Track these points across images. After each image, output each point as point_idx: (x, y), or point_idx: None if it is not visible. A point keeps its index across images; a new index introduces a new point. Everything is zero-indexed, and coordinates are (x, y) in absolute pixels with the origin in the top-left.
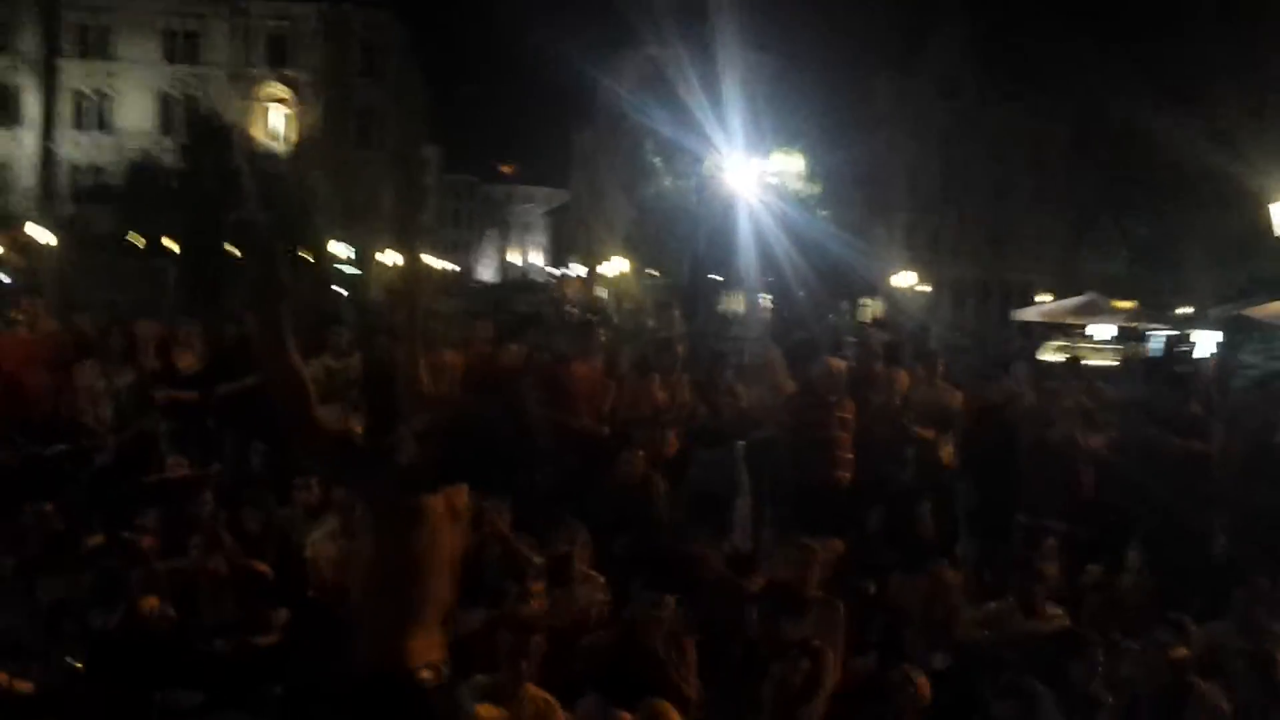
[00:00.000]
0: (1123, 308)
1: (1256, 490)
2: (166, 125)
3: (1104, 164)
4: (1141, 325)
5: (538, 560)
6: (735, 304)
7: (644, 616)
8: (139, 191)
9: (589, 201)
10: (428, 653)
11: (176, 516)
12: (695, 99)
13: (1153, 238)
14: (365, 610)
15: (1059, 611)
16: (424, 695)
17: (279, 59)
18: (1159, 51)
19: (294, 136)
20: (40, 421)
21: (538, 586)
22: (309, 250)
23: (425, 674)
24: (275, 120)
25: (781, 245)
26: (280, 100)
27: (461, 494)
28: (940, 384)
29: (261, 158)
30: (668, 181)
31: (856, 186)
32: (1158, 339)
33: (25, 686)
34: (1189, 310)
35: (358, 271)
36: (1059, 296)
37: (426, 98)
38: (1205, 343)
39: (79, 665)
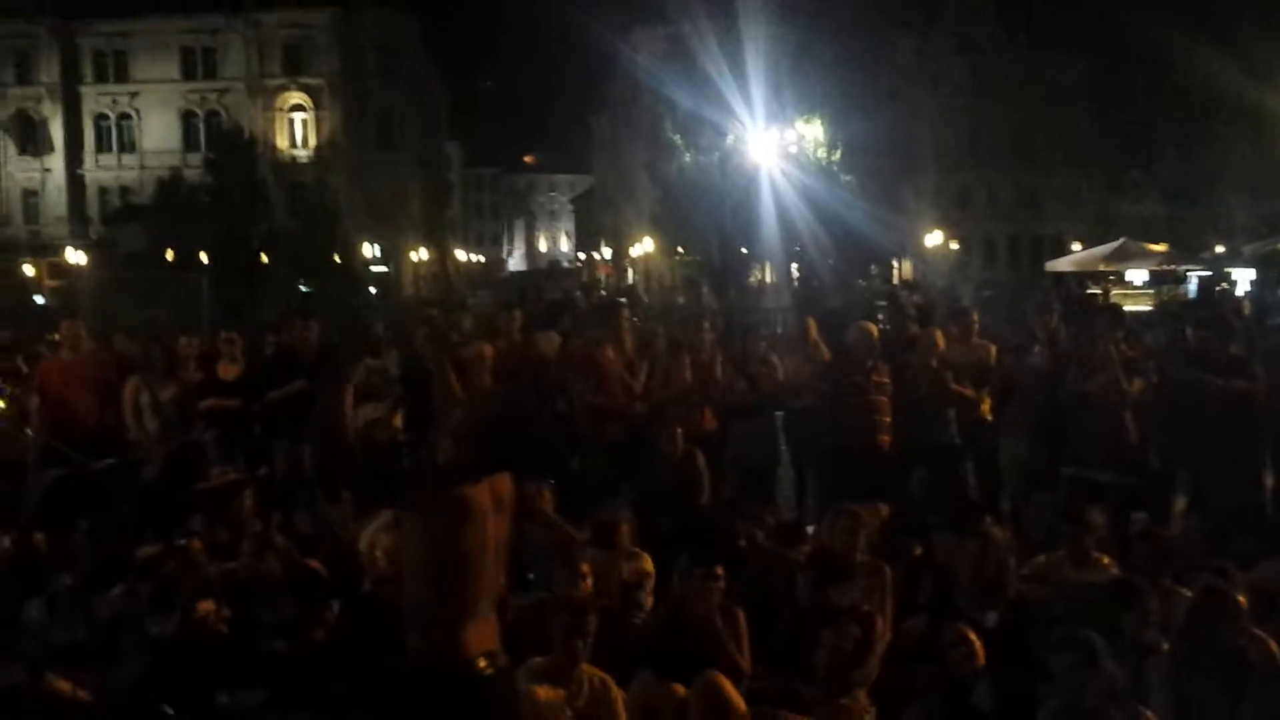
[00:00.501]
0: (1156, 250)
1: None
2: (190, 141)
3: (1130, 107)
4: (1176, 267)
5: (582, 538)
6: (764, 276)
7: (696, 589)
8: (168, 208)
9: (613, 184)
10: (482, 642)
11: (224, 521)
12: (713, 73)
13: (1184, 178)
14: (418, 605)
15: (1109, 561)
16: (481, 684)
17: (295, 67)
18: None
19: (316, 142)
20: (88, 439)
21: (585, 567)
22: (338, 253)
23: (481, 663)
24: (296, 128)
25: (806, 215)
26: (300, 108)
27: (505, 482)
28: (976, 341)
29: (286, 166)
30: (689, 158)
31: (880, 150)
32: (1193, 280)
33: (86, 696)
34: (1222, 250)
35: (387, 269)
36: (1091, 246)
37: (445, 94)
38: (1242, 281)
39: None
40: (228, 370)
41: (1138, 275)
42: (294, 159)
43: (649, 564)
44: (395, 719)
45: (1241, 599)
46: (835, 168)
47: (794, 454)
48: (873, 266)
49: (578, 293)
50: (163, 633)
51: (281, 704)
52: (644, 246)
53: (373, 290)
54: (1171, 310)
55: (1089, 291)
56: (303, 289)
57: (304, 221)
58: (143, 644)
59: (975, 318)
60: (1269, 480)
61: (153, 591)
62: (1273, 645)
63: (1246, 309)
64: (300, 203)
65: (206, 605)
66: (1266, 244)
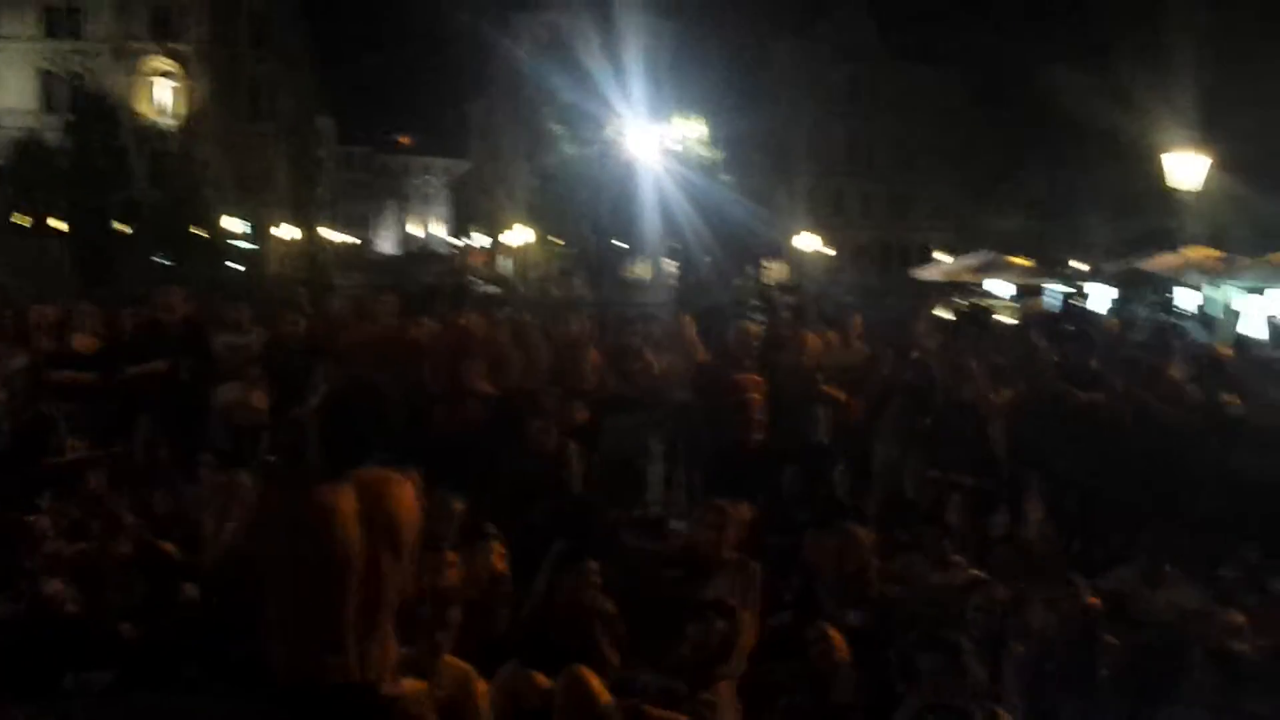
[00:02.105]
0: (1020, 264)
1: (1155, 439)
2: (49, 103)
3: (1002, 123)
4: (1038, 281)
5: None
6: (640, 271)
7: (568, 582)
8: (23, 171)
9: (490, 170)
10: (361, 667)
11: (74, 498)
12: (595, 64)
13: (1049, 195)
14: (279, 615)
15: (966, 563)
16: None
17: (164, 32)
18: (1057, 8)
19: (182, 111)
20: None
21: (452, 557)
22: (202, 227)
23: (357, 689)
24: (162, 95)
25: (685, 211)
26: (167, 74)
27: (388, 485)
28: (856, 344)
29: (149, 134)
30: (569, 148)
31: (759, 151)
32: (1054, 295)
33: None
34: (1084, 266)
35: (254, 246)
36: (958, 255)
37: (318, 68)
38: (1100, 297)
39: None
40: (84, 343)
41: (1004, 288)
42: (159, 127)
43: (502, 556)
44: None
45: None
46: (715, 166)
47: (667, 449)
48: (748, 266)
49: (451, 278)
50: (6, 613)
51: (130, 687)
52: (520, 235)
53: (237, 267)
54: (1034, 323)
55: (973, 303)
56: (163, 262)
57: (167, 192)
58: None
59: (859, 321)
60: (1120, 490)
61: None
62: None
63: (1116, 326)
64: (164, 173)
65: (53, 585)
66: (1125, 263)
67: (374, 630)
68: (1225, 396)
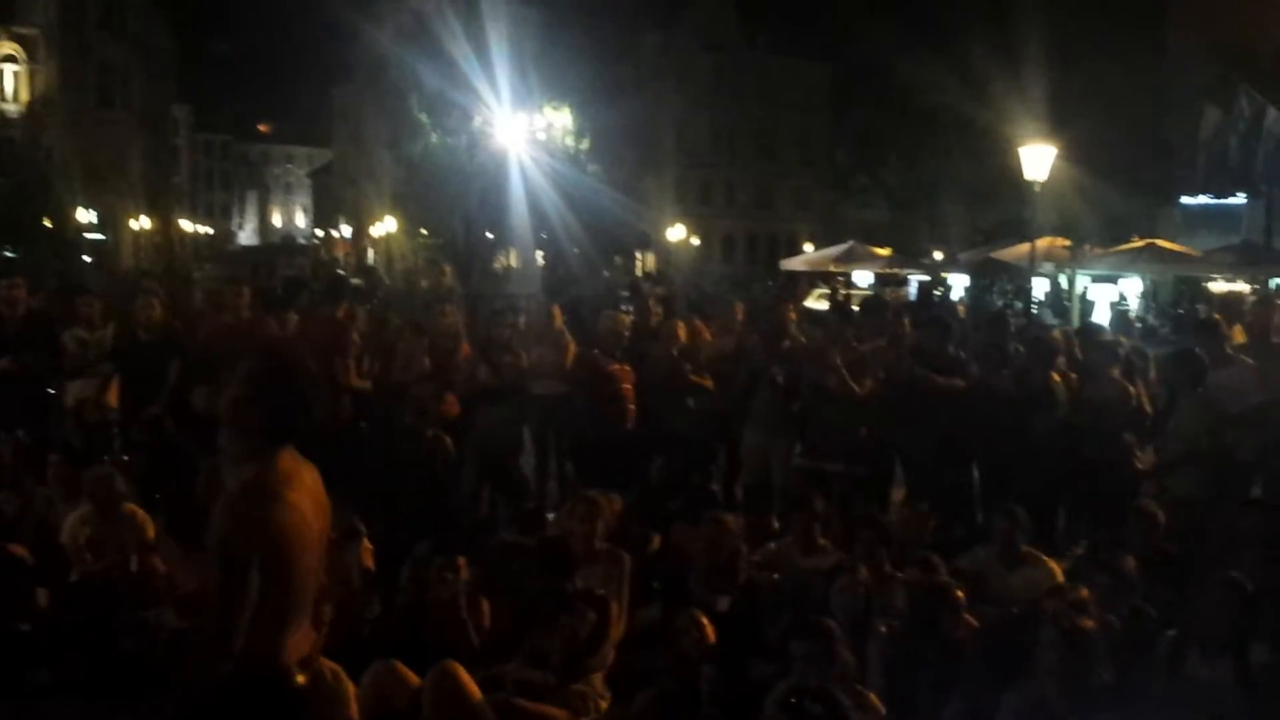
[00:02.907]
0: (881, 254)
1: (1013, 421)
2: None
3: (865, 113)
4: (899, 271)
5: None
6: (509, 261)
7: (438, 577)
8: None
9: (354, 160)
10: (298, 650)
11: None
12: (461, 53)
13: (907, 186)
14: (228, 608)
15: (833, 547)
16: (295, 696)
17: (8, 14)
18: (914, 1)
19: (27, 96)
20: None
21: None
22: (50, 217)
23: (297, 674)
24: (6, 80)
25: (554, 202)
26: (11, 58)
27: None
28: (724, 333)
29: None
30: (436, 138)
31: (626, 142)
32: (914, 283)
33: None
34: (940, 256)
35: (104, 237)
36: (822, 246)
37: (173, 53)
38: (957, 286)
39: None
40: None
41: (864, 277)
42: (3, 114)
43: (370, 552)
44: None
45: (959, 592)
46: (582, 156)
47: (537, 441)
48: (617, 257)
49: (313, 270)
50: None
51: None
52: (386, 226)
53: (87, 259)
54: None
55: (822, 292)
56: (8, 254)
57: (12, 181)
58: None
59: (740, 309)
60: (976, 472)
61: None
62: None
63: (963, 312)
64: (8, 161)
65: None
66: (980, 252)
67: (297, 624)
68: (1057, 375)
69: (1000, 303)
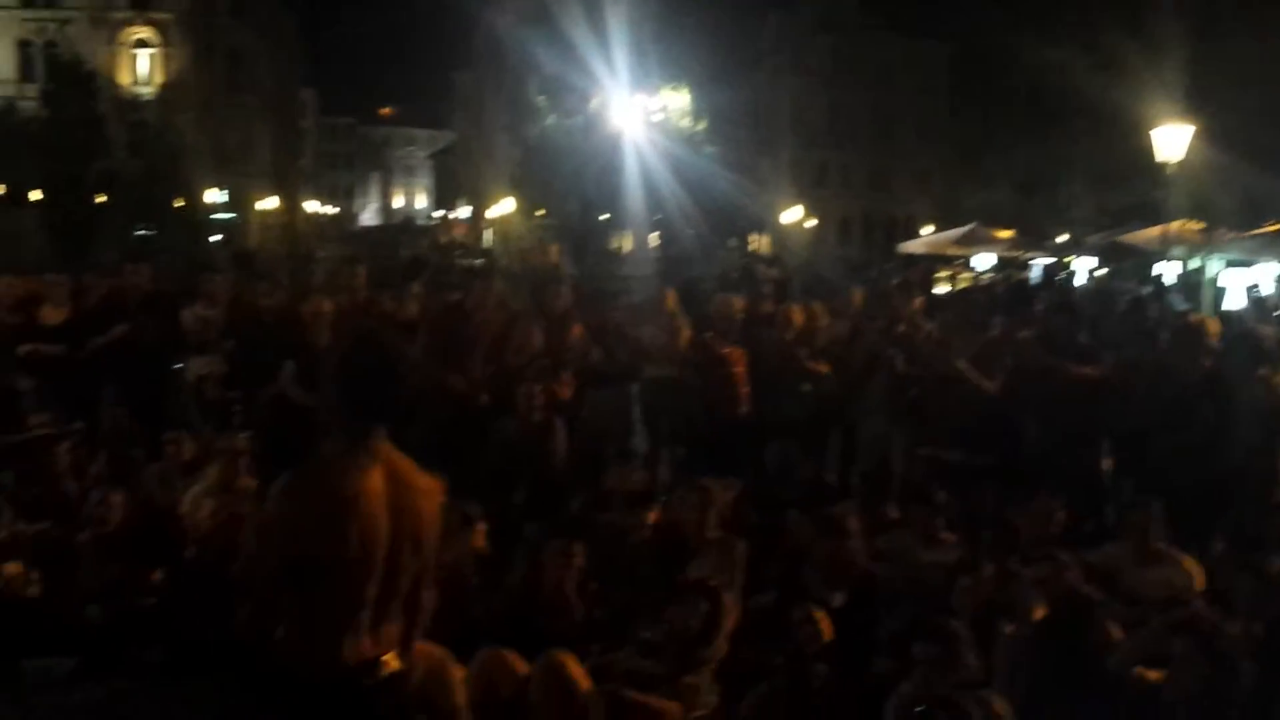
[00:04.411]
0: (1003, 237)
1: (1144, 415)
2: (26, 72)
3: (987, 94)
4: (1021, 254)
5: None
6: (624, 243)
7: (550, 565)
8: None
9: (474, 142)
10: (372, 648)
11: (36, 477)
12: (580, 35)
13: (1034, 167)
14: (293, 601)
15: (956, 541)
16: (363, 696)
17: (143, 0)
18: None
19: (161, 80)
20: None
21: None
22: (181, 198)
23: (370, 671)
24: (141, 64)
25: (668, 183)
26: (145, 43)
27: (406, 467)
28: (841, 318)
29: (128, 104)
30: (553, 120)
31: (742, 123)
32: (1037, 267)
33: None
34: (1065, 238)
35: (232, 218)
36: (942, 228)
37: (300, 38)
38: (1082, 270)
39: None
40: (51, 315)
41: (985, 260)
42: (137, 97)
43: (481, 535)
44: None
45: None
46: (698, 138)
47: (648, 425)
48: (732, 239)
49: (432, 251)
50: None
51: (94, 672)
52: (503, 207)
53: (216, 239)
54: (1018, 296)
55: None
56: (141, 233)
57: (145, 163)
58: None
59: (858, 296)
60: (1106, 464)
61: None
62: (1117, 630)
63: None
64: (142, 143)
65: (13, 567)
66: (1107, 235)
67: (388, 613)
68: (1206, 363)
69: (1130, 288)
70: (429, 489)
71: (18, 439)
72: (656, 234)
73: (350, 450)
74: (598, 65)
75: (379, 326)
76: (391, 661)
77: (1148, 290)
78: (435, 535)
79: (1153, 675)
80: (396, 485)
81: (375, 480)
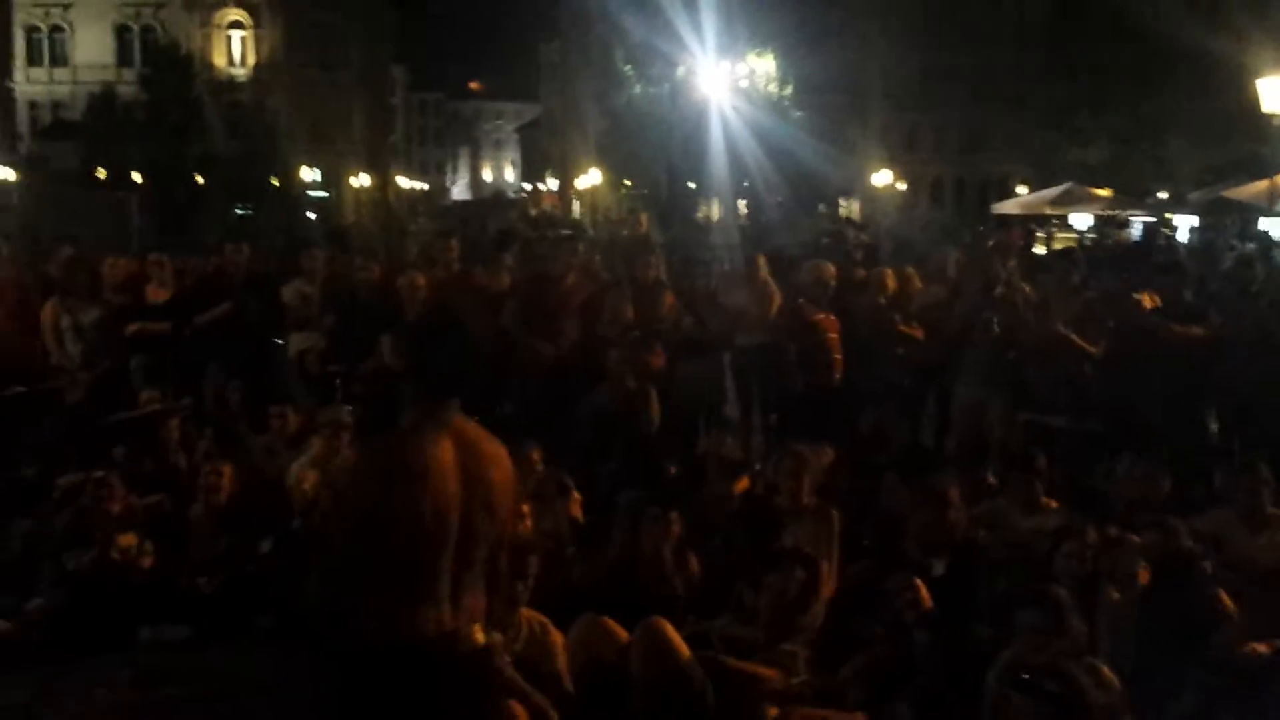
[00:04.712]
0: (1101, 195)
1: (1252, 375)
2: (124, 57)
3: (1082, 50)
4: (1120, 213)
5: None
6: (711, 212)
7: (649, 530)
8: (100, 125)
9: (560, 114)
10: (448, 620)
11: (148, 451)
12: (665, 2)
13: (1131, 123)
14: (365, 571)
15: (1058, 507)
16: (442, 668)
17: None
18: None
19: (254, 61)
20: (6, 364)
21: (526, 508)
22: (277, 177)
23: (449, 644)
24: (234, 46)
25: (755, 150)
26: (238, 24)
27: (479, 436)
28: (932, 282)
29: (223, 85)
30: (639, 89)
31: (831, 89)
32: (1137, 226)
33: (4, 626)
34: (1165, 196)
35: (327, 194)
36: (1037, 189)
37: (389, 15)
38: (1183, 228)
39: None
40: (156, 294)
41: (1082, 220)
42: (231, 78)
43: (578, 503)
44: (345, 694)
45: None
46: (786, 103)
47: (740, 393)
48: (821, 205)
49: (522, 223)
50: (79, 566)
51: (206, 640)
52: (590, 178)
53: (312, 216)
54: (1118, 255)
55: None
56: (239, 212)
57: (241, 143)
58: (60, 577)
59: (956, 258)
60: (1214, 427)
61: (69, 523)
62: (1224, 596)
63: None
64: (238, 124)
65: (128, 539)
66: (1210, 191)
67: (466, 583)
68: None
69: (1233, 244)
70: (499, 457)
71: (131, 415)
72: (744, 202)
73: (423, 421)
74: (684, 31)
75: (457, 299)
76: (476, 634)
77: (1251, 248)
78: (508, 502)
79: (1262, 648)
80: (467, 454)
81: (445, 450)
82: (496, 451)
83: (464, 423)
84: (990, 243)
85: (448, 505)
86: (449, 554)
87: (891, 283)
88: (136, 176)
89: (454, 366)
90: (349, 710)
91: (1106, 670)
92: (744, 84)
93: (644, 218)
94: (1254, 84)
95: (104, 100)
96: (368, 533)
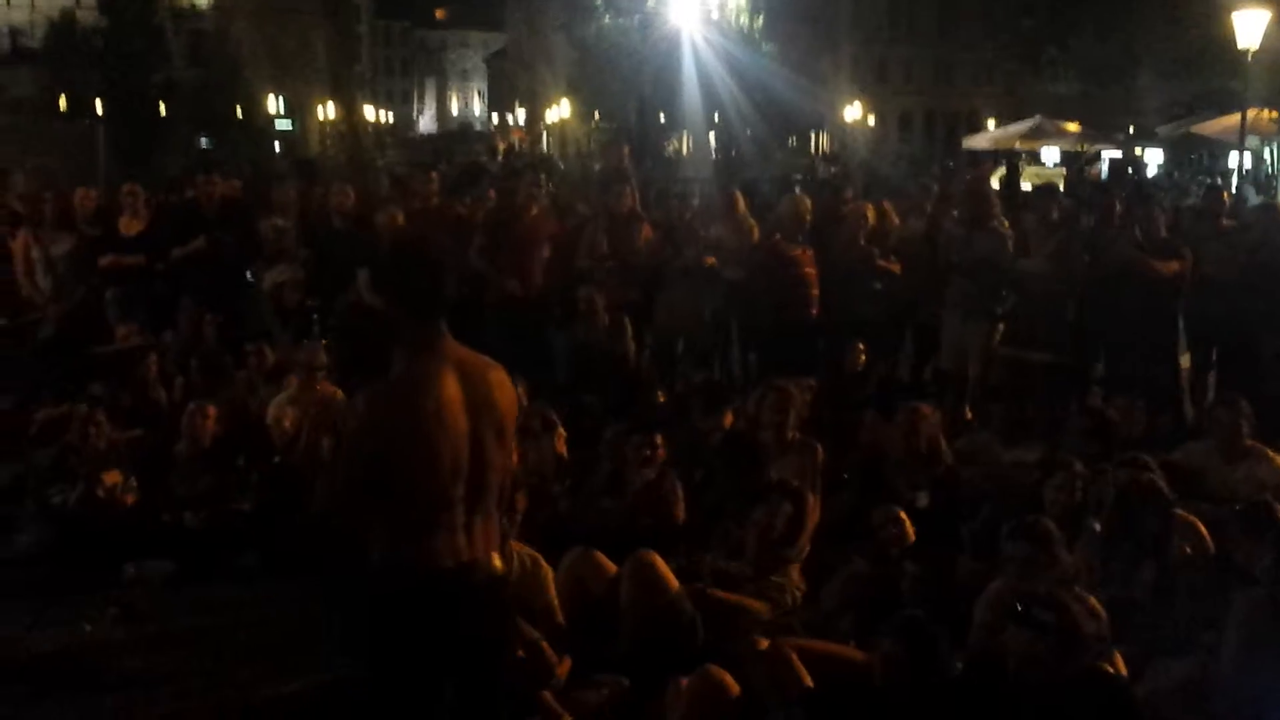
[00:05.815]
0: (1070, 130)
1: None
2: None
3: None
4: (1089, 146)
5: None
6: (683, 145)
7: (635, 456)
8: (59, 52)
9: (528, 44)
10: (461, 550)
11: (127, 386)
12: None
13: (1101, 56)
14: (370, 500)
15: (1040, 441)
16: (454, 595)
17: None
18: None
19: None
20: None
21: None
22: (241, 107)
23: (463, 573)
24: None
25: (726, 83)
26: None
27: (481, 364)
28: (910, 216)
29: (185, 12)
30: (609, 19)
31: (801, 20)
32: (1107, 160)
33: None
34: (1134, 131)
35: (291, 127)
36: (1005, 122)
37: None
38: (1152, 163)
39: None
40: (130, 225)
41: (1052, 154)
42: (193, 5)
43: (563, 438)
44: (358, 621)
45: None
46: (756, 35)
47: (719, 326)
48: (792, 138)
49: (489, 156)
50: (65, 502)
51: (191, 575)
52: (560, 111)
53: (277, 147)
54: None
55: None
56: (203, 143)
57: (205, 72)
58: (44, 513)
59: (940, 189)
60: (1185, 360)
61: (53, 459)
62: (1199, 526)
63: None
64: (201, 52)
65: (113, 476)
66: (1179, 126)
67: (479, 511)
68: None
69: (1200, 178)
70: (503, 382)
71: (111, 350)
72: (714, 135)
73: (421, 356)
74: None
75: (436, 231)
76: (495, 561)
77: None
78: (513, 423)
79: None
80: (472, 384)
81: (451, 386)
82: (500, 378)
83: (463, 351)
84: (968, 177)
85: (459, 440)
86: (462, 483)
87: (871, 216)
88: (98, 106)
89: (431, 284)
90: (369, 641)
91: (1094, 600)
92: (715, 15)
93: (626, 150)
94: (1226, 18)
95: (63, 27)
96: (380, 474)
